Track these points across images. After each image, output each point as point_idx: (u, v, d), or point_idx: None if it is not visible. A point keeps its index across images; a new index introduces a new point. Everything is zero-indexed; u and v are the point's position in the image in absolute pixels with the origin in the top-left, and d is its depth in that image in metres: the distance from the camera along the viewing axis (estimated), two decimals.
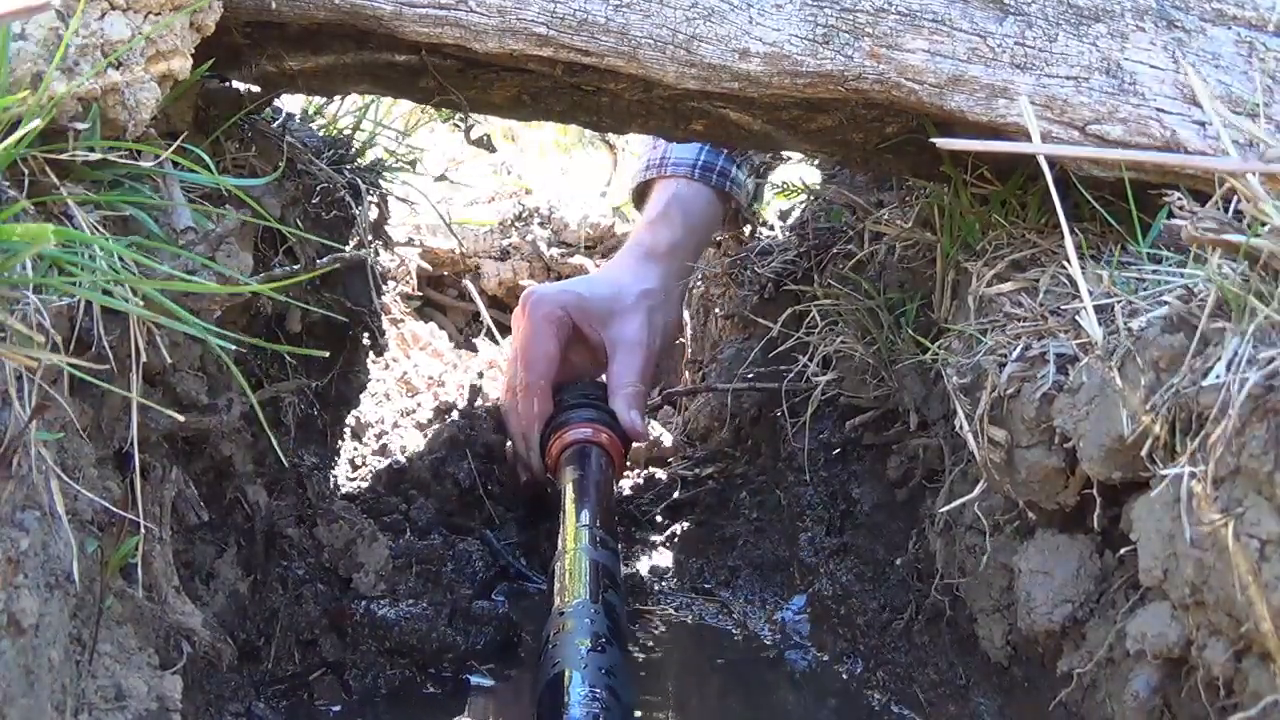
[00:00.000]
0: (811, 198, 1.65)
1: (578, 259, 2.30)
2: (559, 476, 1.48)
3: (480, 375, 1.85)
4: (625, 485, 1.70)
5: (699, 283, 1.88)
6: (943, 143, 0.79)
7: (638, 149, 2.03)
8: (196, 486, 1.01)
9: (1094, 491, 0.84)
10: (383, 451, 1.60)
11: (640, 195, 1.80)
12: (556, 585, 1.22)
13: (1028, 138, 0.92)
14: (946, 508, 1.05)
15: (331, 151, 1.39)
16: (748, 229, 1.84)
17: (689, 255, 1.71)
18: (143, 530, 0.84)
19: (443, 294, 2.31)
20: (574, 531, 1.30)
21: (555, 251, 2.31)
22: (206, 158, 0.88)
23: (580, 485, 1.43)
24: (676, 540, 1.56)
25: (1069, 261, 0.85)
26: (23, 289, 0.67)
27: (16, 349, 0.64)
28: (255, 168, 1.14)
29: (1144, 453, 0.76)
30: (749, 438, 1.70)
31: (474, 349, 2.12)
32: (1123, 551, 0.83)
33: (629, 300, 1.64)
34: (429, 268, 2.28)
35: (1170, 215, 0.86)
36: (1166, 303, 0.76)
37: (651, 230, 1.72)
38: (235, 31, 1.00)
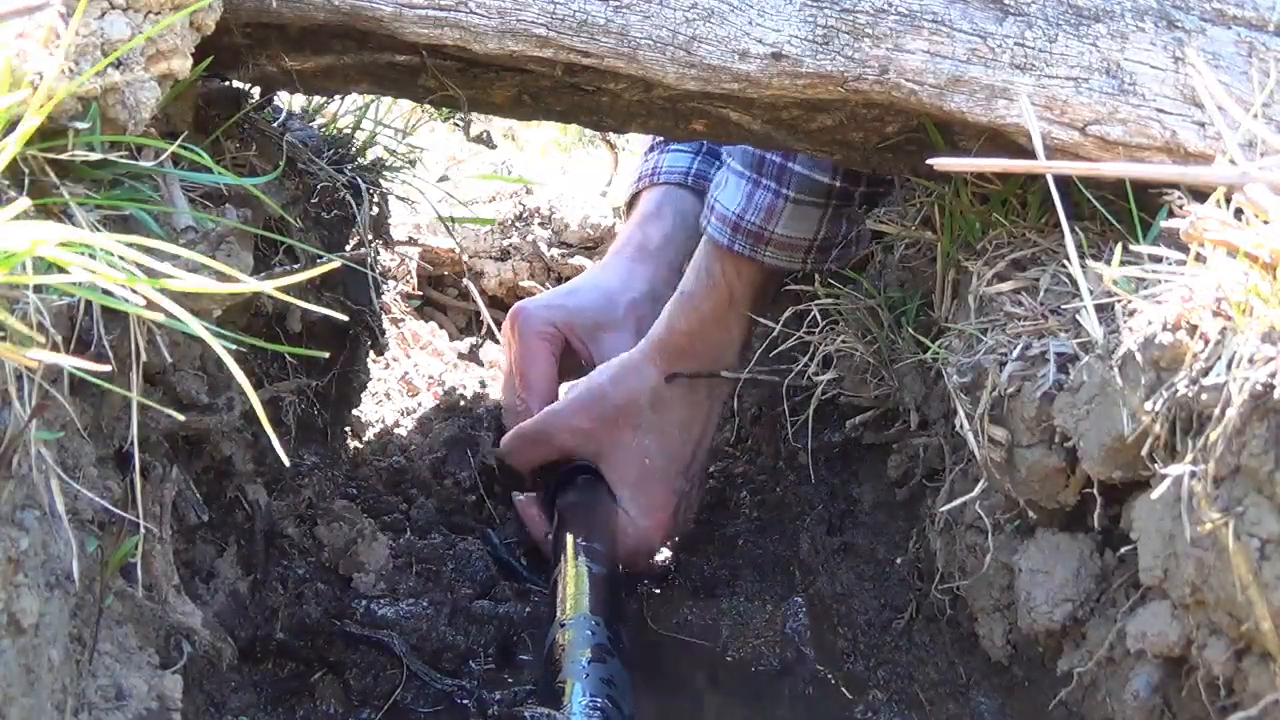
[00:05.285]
0: None
1: (578, 259, 2.30)
2: (559, 496, 1.48)
3: (482, 384, 1.85)
4: None
5: None
6: (939, 163, 0.79)
7: (639, 149, 2.03)
8: (196, 486, 1.01)
9: (1094, 491, 0.84)
10: (383, 451, 1.60)
11: (630, 206, 1.78)
12: (557, 596, 1.22)
13: (1028, 138, 0.92)
14: (947, 507, 1.05)
15: (332, 151, 1.39)
16: None
17: (682, 250, 1.69)
18: (143, 530, 0.85)
19: (443, 294, 2.31)
20: (574, 546, 1.31)
21: (555, 252, 2.31)
22: (207, 157, 0.88)
23: (580, 503, 1.42)
24: (676, 539, 1.56)
25: (1069, 260, 0.85)
26: (23, 289, 0.67)
27: (16, 349, 0.64)
28: (255, 167, 1.14)
29: (1144, 452, 0.76)
30: (749, 436, 1.70)
31: (475, 358, 2.11)
32: (1123, 551, 0.83)
33: (617, 313, 1.63)
34: (429, 267, 2.28)
35: (1170, 214, 0.86)
36: (1166, 302, 0.76)
37: (642, 227, 1.69)
38: (235, 31, 1.00)
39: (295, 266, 1.07)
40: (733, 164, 1.39)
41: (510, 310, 1.67)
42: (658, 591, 1.44)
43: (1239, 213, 0.74)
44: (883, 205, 1.32)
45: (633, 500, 1.46)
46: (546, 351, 1.60)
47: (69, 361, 0.65)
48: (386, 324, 1.69)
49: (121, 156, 0.83)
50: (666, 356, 1.46)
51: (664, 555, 1.55)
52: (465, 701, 1.16)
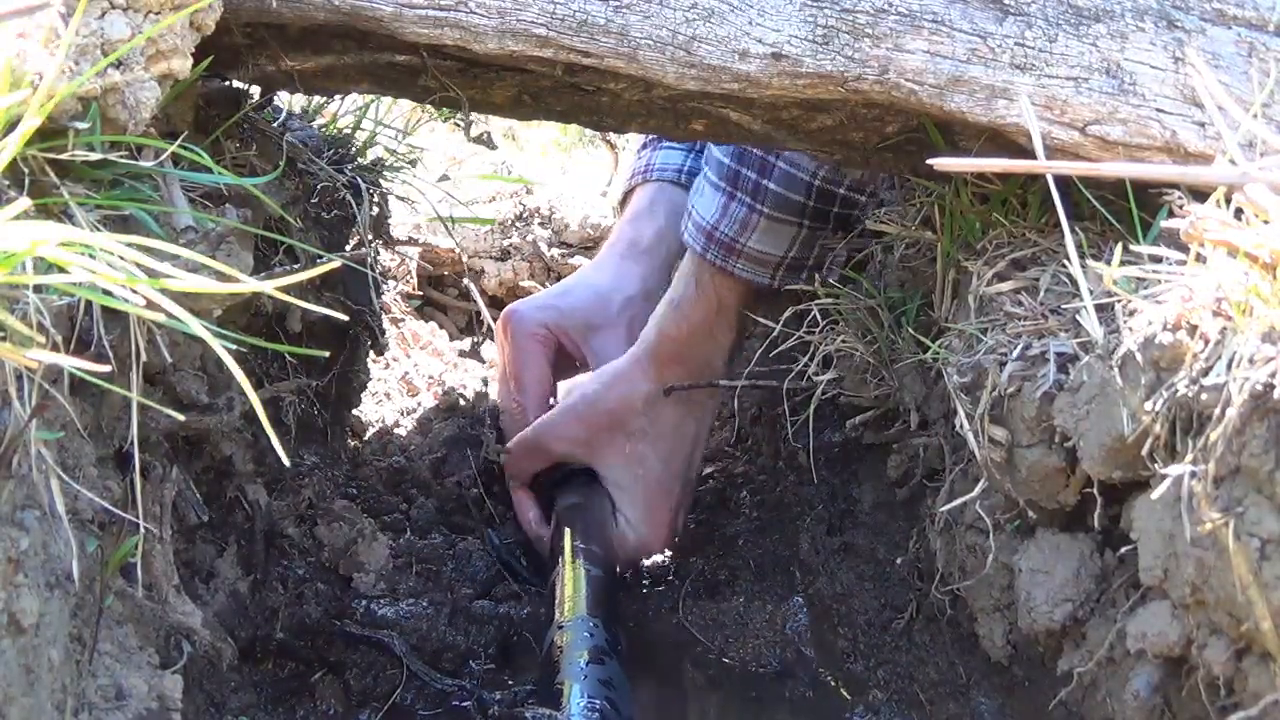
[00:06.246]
0: None
1: (578, 259, 2.30)
2: (558, 498, 1.48)
3: (485, 383, 1.85)
4: None
5: None
6: (939, 163, 0.79)
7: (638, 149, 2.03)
8: (196, 486, 1.01)
9: (1094, 491, 0.84)
10: (383, 451, 1.60)
11: (623, 204, 1.78)
12: (556, 598, 1.22)
13: (1028, 138, 0.92)
14: (947, 507, 1.05)
15: (332, 151, 1.39)
16: None
17: (674, 247, 1.69)
18: (143, 530, 0.85)
19: (443, 294, 2.31)
20: (571, 548, 1.31)
21: (556, 252, 2.31)
22: (207, 158, 0.88)
23: (578, 505, 1.42)
24: (676, 539, 1.56)
25: (1069, 260, 0.85)
26: (23, 289, 0.67)
27: (16, 349, 0.64)
28: (255, 167, 1.14)
29: (1144, 452, 0.76)
30: (749, 437, 1.70)
31: (476, 357, 2.11)
32: (1123, 551, 0.83)
33: (610, 312, 1.62)
34: (429, 267, 2.28)
35: (1170, 214, 0.86)
36: (1166, 302, 0.76)
37: (634, 224, 1.69)
38: (235, 31, 1.00)
39: (295, 266, 1.07)
40: (709, 174, 1.40)
41: (502, 312, 1.67)
42: (658, 591, 1.44)
43: (1239, 213, 0.74)
44: (865, 215, 1.33)
45: (630, 506, 1.46)
46: (539, 353, 1.60)
47: (69, 361, 0.65)
48: (386, 324, 1.69)
49: (121, 156, 0.83)
50: (657, 364, 1.46)
51: (663, 556, 1.55)
52: (465, 702, 1.16)
